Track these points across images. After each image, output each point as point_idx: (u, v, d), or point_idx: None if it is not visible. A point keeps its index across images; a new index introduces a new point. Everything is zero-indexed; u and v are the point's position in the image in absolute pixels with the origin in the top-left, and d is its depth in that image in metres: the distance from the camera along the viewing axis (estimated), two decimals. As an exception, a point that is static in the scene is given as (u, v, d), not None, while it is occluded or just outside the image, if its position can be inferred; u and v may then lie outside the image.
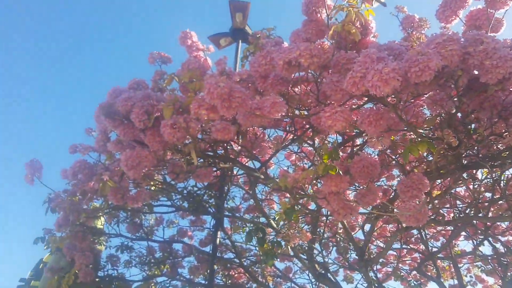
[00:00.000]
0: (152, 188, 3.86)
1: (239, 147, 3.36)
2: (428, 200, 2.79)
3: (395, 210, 2.64)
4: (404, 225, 2.95)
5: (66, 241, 4.09)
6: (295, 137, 3.10)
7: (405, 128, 2.39)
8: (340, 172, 2.27)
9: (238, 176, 4.83)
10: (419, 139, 2.23)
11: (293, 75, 2.43)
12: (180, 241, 5.60)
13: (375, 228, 4.50)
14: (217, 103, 2.09)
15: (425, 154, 3.02)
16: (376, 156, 3.16)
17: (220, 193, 4.68)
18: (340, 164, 2.53)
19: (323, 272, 4.31)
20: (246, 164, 3.69)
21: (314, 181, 2.48)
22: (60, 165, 3.69)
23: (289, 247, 3.15)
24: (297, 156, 4.89)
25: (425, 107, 2.70)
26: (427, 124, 2.53)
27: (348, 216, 2.49)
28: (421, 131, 2.56)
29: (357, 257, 4.74)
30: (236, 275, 6.75)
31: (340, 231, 5.47)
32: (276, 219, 2.91)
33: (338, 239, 5.55)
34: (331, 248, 5.86)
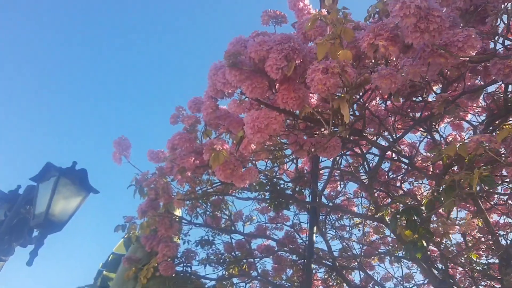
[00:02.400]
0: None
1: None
2: None
3: None
4: None
5: (153, 226, 3.70)
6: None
7: None
8: None
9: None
10: None
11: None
12: (269, 237, 5.10)
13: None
14: (409, 22, 1.59)
15: None
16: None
17: (314, 179, 4.14)
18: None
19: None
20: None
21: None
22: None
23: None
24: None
25: None
26: None
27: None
28: None
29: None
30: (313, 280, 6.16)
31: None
32: (433, 197, 2.28)
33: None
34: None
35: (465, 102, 3.38)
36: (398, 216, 2.27)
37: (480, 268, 3.51)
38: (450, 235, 2.29)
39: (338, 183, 5.23)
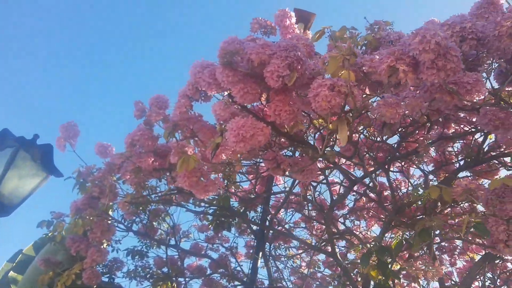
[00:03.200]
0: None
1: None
2: None
3: None
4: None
5: (88, 227, 3.30)
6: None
7: None
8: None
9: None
10: None
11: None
12: (209, 256, 4.81)
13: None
14: (427, 58, 1.53)
15: None
16: None
17: (266, 201, 3.98)
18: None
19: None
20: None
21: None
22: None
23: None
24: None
25: None
26: None
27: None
28: None
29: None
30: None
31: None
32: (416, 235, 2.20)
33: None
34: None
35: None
36: (369, 255, 2.18)
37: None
38: (419, 281, 2.25)
39: (283, 210, 5.14)
